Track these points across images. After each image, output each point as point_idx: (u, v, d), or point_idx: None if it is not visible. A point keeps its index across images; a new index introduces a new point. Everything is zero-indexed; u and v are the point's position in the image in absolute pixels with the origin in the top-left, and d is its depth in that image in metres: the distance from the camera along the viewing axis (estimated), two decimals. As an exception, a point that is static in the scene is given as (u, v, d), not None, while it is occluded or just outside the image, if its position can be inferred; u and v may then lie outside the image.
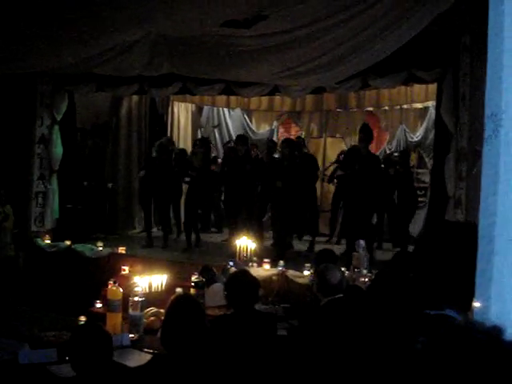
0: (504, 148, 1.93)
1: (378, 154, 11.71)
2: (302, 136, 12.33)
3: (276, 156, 10.04)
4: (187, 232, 9.36)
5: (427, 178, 10.67)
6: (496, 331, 1.28)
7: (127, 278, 6.29)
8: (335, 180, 10.20)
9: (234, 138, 12.57)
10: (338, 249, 8.47)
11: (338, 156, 10.50)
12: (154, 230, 10.05)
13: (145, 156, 10.97)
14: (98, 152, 10.79)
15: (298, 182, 8.77)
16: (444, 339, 1.28)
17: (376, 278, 4.08)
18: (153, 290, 5.89)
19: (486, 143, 2.00)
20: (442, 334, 1.30)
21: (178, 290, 5.58)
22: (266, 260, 7.23)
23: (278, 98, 11.64)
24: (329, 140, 12.36)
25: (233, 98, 11.35)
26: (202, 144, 9.90)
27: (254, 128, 13.15)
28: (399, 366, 1.76)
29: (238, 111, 12.94)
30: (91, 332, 3.09)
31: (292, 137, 12.78)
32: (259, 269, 7.05)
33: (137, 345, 4.43)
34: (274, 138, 12.81)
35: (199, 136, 12.74)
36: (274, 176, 8.79)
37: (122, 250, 8.36)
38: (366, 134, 8.31)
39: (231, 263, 7.03)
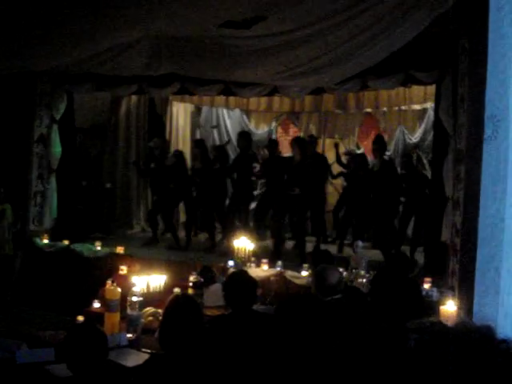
0: (503, 148, 1.95)
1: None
2: (301, 135, 12.38)
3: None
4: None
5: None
6: (489, 330, 1.29)
7: (125, 277, 6.28)
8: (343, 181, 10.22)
9: (234, 137, 12.62)
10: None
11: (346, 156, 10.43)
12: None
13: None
14: (96, 152, 10.80)
15: (309, 183, 8.68)
16: (436, 338, 1.28)
17: (374, 280, 4.09)
18: (151, 290, 5.89)
19: (485, 144, 2.02)
20: (435, 332, 1.31)
21: (176, 289, 5.58)
22: (264, 260, 7.23)
23: (276, 99, 11.65)
24: (327, 141, 12.38)
25: (232, 98, 11.34)
26: (197, 145, 9.84)
27: (252, 128, 13.15)
28: (393, 365, 1.76)
29: (236, 111, 12.94)
30: (85, 332, 3.09)
31: (290, 137, 12.81)
32: (257, 269, 7.06)
33: (134, 345, 4.43)
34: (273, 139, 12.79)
35: (198, 136, 12.75)
36: (283, 176, 8.79)
37: (120, 249, 8.35)
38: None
39: (231, 263, 7.03)
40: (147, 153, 10.49)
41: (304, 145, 8.99)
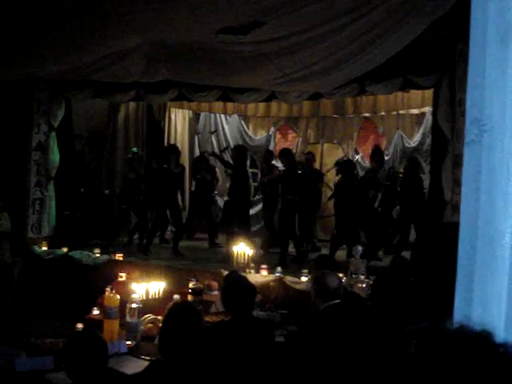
0: (486, 153, 1.94)
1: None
2: (299, 141, 12.45)
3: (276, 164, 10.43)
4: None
5: (424, 184, 10.69)
6: (487, 335, 1.28)
7: (124, 284, 6.27)
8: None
9: (232, 144, 12.64)
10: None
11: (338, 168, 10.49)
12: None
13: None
14: (94, 158, 10.78)
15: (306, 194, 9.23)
16: (436, 343, 1.28)
17: (375, 284, 4.08)
18: (150, 297, 5.88)
19: (467, 148, 2.00)
20: (434, 337, 1.30)
21: (176, 296, 5.56)
22: (263, 266, 7.22)
23: (274, 104, 11.65)
24: (326, 146, 12.39)
25: (230, 104, 11.35)
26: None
27: (251, 134, 13.16)
28: (394, 371, 1.75)
29: (235, 117, 12.94)
30: (85, 339, 3.08)
31: (289, 143, 12.82)
32: (257, 275, 7.04)
33: (134, 352, 4.41)
34: (271, 144, 12.82)
35: (196, 142, 12.77)
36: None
37: (119, 256, 8.34)
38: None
39: None
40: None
41: (290, 155, 9.51)
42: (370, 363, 2.86)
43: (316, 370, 3.62)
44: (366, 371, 2.88)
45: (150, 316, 4.98)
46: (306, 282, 6.71)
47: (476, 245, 1.92)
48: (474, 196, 1.94)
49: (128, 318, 4.72)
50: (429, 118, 10.18)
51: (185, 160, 12.44)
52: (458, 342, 1.25)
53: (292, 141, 12.94)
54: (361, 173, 11.71)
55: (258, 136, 13.15)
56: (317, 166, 11.53)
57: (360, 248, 7.28)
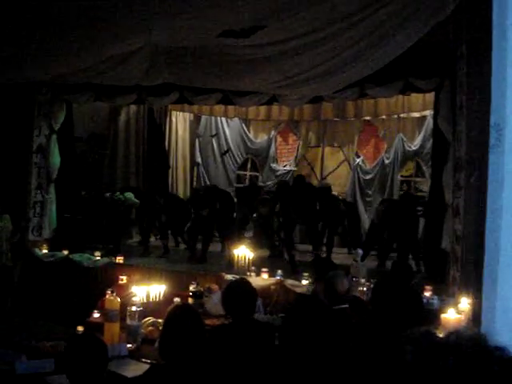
0: (506, 156, 1.96)
1: (376, 163, 11.83)
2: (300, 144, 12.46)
3: None
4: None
5: (425, 187, 10.69)
6: (481, 338, 1.28)
7: (125, 287, 6.26)
8: None
9: (233, 147, 12.66)
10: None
11: None
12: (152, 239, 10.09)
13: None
14: (95, 161, 10.78)
15: None
16: (432, 350, 1.27)
17: (376, 288, 4.07)
18: (151, 300, 5.87)
19: (490, 152, 2.04)
20: (429, 344, 1.30)
21: (176, 299, 5.56)
22: (264, 269, 7.21)
23: (275, 108, 11.66)
24: (327, 149, 12.40)
25: (231, 107, 11.36)
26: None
27: (251, 137, 13.17)
28: (391, 378, 1.75)
29: (236, 120, 12.96)
30: (86, 342, 3.08)
31: (289, 146, 12.84)
32: (257, 278, 7.03)
33: (134, 355, 4.40)
34: (272, 147, 12.84)
35: (197, 145, 12.78)
36: None
37: (119, 259, 8.33)
38: None
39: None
40: None
41: None
42: (368, 370, 2.85)
43: (316, 374, 3.61)
44: (364, 378, 2.87)
45: (150, 319, 4.98)
46: (307, 285, 6.71)
47: (500, 247, 1.93)
48: (498, 198, 1.95)
49: (128, 321, 4.71)
50: (430, 122, 10.19)
51: (186, 163, 12.49)
52: (453, 347, 1.25)
53: (293, 144, 12.97)
54: (361, 175, 11.79)
55: (258, 139, 13.18)
56: (317, 169, 11.54)
57: (360, 251, 7.29)
